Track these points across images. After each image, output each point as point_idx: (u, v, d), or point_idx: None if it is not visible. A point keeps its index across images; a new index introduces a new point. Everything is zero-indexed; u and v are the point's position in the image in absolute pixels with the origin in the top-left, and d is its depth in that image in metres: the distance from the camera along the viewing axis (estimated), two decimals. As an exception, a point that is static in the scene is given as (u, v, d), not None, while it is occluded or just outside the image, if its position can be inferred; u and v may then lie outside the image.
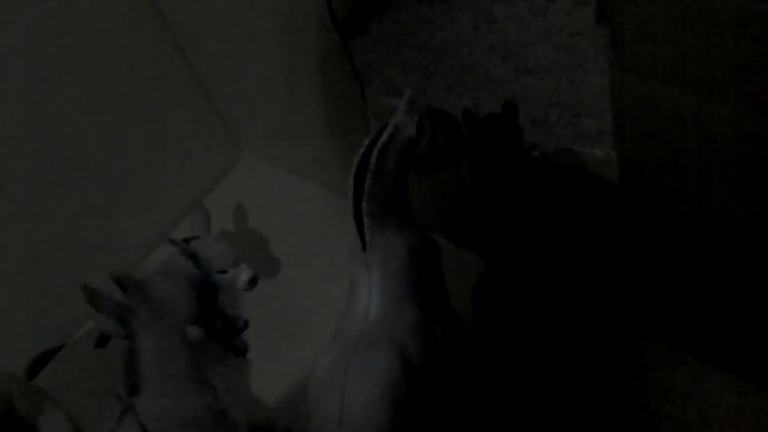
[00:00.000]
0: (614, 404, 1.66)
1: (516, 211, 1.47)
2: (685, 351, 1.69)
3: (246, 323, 2.16)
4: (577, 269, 1.69)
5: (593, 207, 1.56)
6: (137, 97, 2.21)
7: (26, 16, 1.89)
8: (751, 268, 1.37)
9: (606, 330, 1.77)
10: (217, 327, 2.05)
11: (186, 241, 1.87)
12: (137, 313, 1.68)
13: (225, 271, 1.86)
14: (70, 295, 2.15)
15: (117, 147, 2.21)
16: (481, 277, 1.50)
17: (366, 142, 1.42)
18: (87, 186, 2.18)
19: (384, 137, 1.40)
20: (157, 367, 1.64)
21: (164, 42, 2.22)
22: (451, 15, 2.68)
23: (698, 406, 1.61)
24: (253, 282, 1.87)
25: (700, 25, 1.04)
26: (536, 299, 1.45)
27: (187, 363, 1.69)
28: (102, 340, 2.04)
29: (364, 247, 1.42)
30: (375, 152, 1.38)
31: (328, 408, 1.32)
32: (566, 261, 1.63)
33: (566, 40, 2.41)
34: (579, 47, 2.37)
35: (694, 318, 1.60)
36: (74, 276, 2.19)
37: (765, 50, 1.01)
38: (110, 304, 1.69)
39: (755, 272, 1.37)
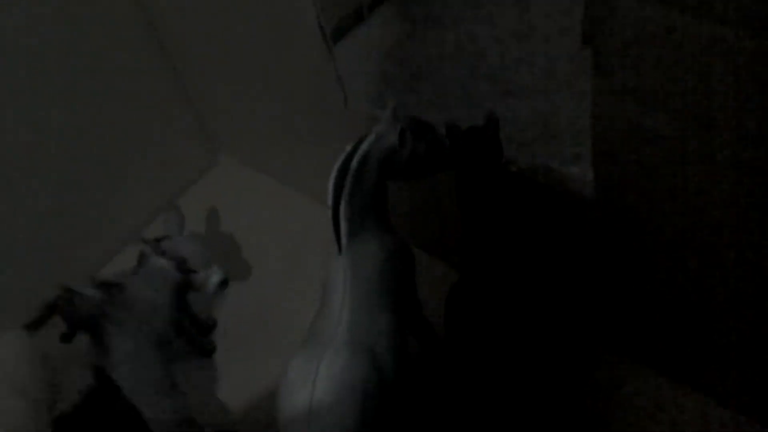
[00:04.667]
0: (581, 416, 1.69)
1: (492, 223, 1.50)
2: (653, 365, 1.72)
3: (214, 323, 2.15)
4: (550, 282, 1.72)
5: (567, 222, 1.59)
6: (114, 92, 2.20)
7: (5, 13, 1.88)
8: (724, 287, 1.41)
9: (575, 342, 1.80)
10: (184, 327, 2.04)
11: (158, 240, 1.86)
12: (116, 320, 1.67)
13: (195, 272, 1.85)
14: (38, 292, 2.13)
15: (90, 142, 2.19)
16: (454, 286, 1.52)
17: (348, 147, 1.43)
18: (60, 182, 2.16)
19: (366, 144, 1.42)
20: (130, 375, 1.63)
21: (146, 41, 2.22)
22: (435, 33, 2.72)
23: (668, 422, 1.65)
24: (224, 284, 1.87)
25: (686, 51, 1.07)
26: (509, 310, 1.47)
27: (161, 370, 1.69)
28: (67, 336, 2.01)
29: (340, 251, 1.42)
30: (356, 158, 1.40)
31: (297, 407, 1.32)
32: (539, 274, 1.66)
33: (546, 64, 2.47)
34: (559, 72, 2.42)
35: (664, 333, 1.63)
36: (46, 272, 2.17)
37: (751, 79, 1.04)
38: (87, 307, 1.67)
39: (728, 291, 1.41)
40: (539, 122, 2.30)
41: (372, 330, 1.41)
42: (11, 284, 2.12)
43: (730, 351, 1.52)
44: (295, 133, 2.13)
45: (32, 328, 1.97)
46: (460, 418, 1.49)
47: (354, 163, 1.40)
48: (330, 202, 1.42)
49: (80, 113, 2.14)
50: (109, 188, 2.29)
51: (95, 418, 1.57)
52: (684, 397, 1.67)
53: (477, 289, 1.48)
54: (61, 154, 2.14)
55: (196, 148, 2.53)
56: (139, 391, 1.63)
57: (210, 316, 2.15)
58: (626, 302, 1.64)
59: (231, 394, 1.96)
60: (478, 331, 1.46)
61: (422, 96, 2.51)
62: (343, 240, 1.42)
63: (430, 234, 1.96)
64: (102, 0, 2.08)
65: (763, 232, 1.24)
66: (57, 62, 2.03)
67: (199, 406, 1.89)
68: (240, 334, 2.09)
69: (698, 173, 1.23)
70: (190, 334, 2.06)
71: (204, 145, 2.53)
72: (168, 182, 2.47)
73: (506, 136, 1.55)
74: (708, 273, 1.40)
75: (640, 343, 1.71)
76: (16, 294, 2.14)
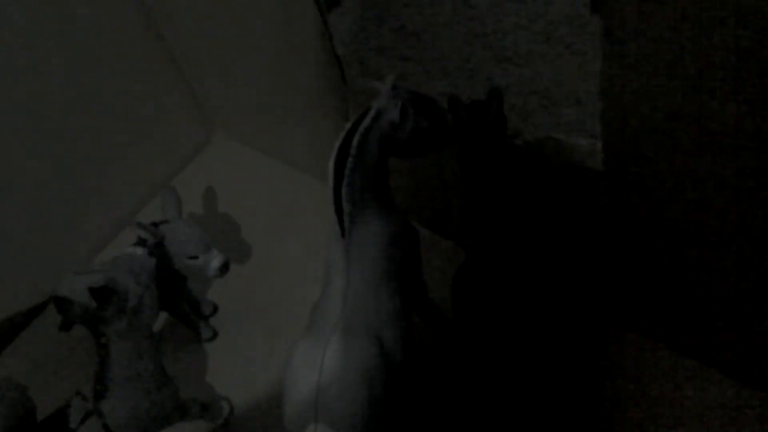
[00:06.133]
0: (593, 394, 1.67)
1: (498, 198, 1.46)
2: (660, 339, 1.70)
3: (215, 308, 2.12)
4: (559, 258, 1.69)
5: (576, 195, 1.55)
6: (107, 72, 2.15)
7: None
8: (735, 260, 1.38)
9: (586, 319, 1.77)
10: (185, 312, 2.01)
11: (155, 225, 1.82)
12: (111, 323, 1.65)
13: (195, 257, 1.81)
14: (35, 276, 2.10)
15: (84, 123, 2.14)
16: (461, 265, 1.48)
17: (348, 125, 1.38)
18: (54, 163, 2.11)
19: (366, 121, 1.37)
20: (128, 370, 1.63)
21: (139, 19, 2.16)
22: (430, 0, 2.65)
23: (690, 400, 1.63)
24: (224, 268, 1.83)
25: (700, 19, 1.03)
26: (517, 288, 1.44)
27: (154, 362, 1.68)
28: (66, 324, 1.99)
29: (342, 233, 1.39)
30: (357, 136, 1.35)
31: (304, 392, 1.30)
32: (548, 249, 1.63)
33: (546, 28, 2.40)
34: (558, 36, 2.35)
35: (670, 306, 1.61)
36: (42, 256, 2.14)
37: (766, 46, 1.00)
38: (82, 313, 1.65)
39: (738, 264, 1.38)
40: (540, 89, 2.24)
41: (377, 313, 1.38)
42: (6, 267, 2.09)
43: (734, 322, 1.50)
44: (291, 109, 2.08)
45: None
46: (468, 398, 1.47)
47: (355, 141, 1.36)
48: (331, 182, 1.38)
49: (73, 93, 2.09)
50: (104, 168, 2.25)
51: None
52: (691, 369, 1.66)
53: (484, 268, 1.45)
54: (55, 134, 2.09)
55: (190, 126, 2.48)
56: (136, 386, 1.62)
57: (210, 300, 2.12)
58: (634, 275, 1.61)
59: (232, 378, 1.94)
60: (486, 310, 1.43)
61: (419, 64, 2.45)
62: (346, 221, 1.38)
63: (434, 212, 1.92)
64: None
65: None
66: (52, 42, 1.98)
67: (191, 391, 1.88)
68: (240, 317, 2.06)
69: (709, 142, 1.19)
70: (192, 321, 2.03)
71: (199, 123, 2.48)
72: (163, 161, 2.42)
73: (507, 104, 1.50)
74: (715, 244, 1.37)
75: (648, 317, 1.69)
76: (11, 277, 2.12)
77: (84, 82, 2.11)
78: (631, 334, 1.73)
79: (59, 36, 1.97)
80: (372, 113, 1.38)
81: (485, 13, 2.55)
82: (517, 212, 1.47)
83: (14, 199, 2.05)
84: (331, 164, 1.37)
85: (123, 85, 2.21)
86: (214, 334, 2.06)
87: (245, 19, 1.89)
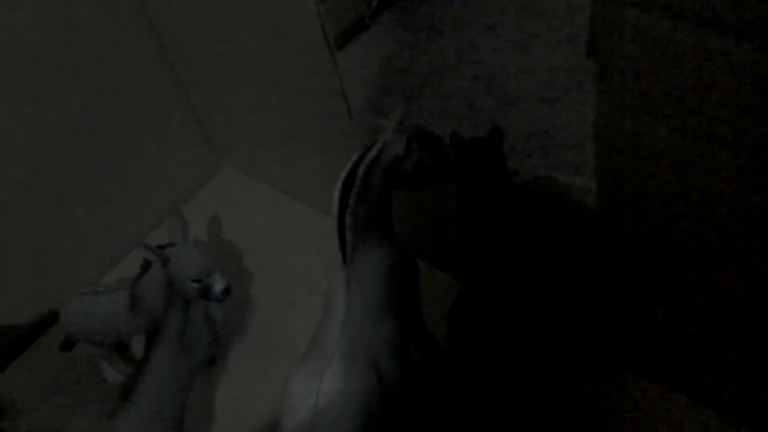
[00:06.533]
0: (583, 426, 1.69)
1: (495, 233, 1.50)
2: (655, 376, 1.72)
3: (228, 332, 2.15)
4: (554, 293, 1.72)
5: (570, 233, 1.59)
6: (118, 99, 2.20)
7: (7, 19, 1.88)
8: (725, 301, 1.41)
9: (581, 355, 1.80)
10: (207, 336, 2.04)
11: (161, 248, 1.86)
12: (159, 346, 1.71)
13: (198, 280, 1.84)
14: (39, 297, 2.14)
15: (92, 150, 2.19)
16: (457, 298, 1.52)
17: (354, 157, 1.43)
18: (63, 189, 2.16)
19: (372, 153, 1.42)
20: (156, 392, 1.69)
21: (149, 47, 2.22)
22: (435, 43, 2.73)
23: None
24: (226, 292, 1.86)
25: (693, 64, 1.08)
26: (511, 321, 1.47)
27: (179, 386, 1.73)
28: (67, 345, 2.02)
29: (344, 261, 1.42)
30: (362, 167, 1.40)
31: (300, 419, 1.33)
32: (542, 285, 1.66)
33: (548, 74, 2.48)
34: (560, 82, 2.43)
35: (664, 344, 1.63)
36: (49, 279, 2.18)
37: (761, 93, 1.04)
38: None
39: (728, 305, 1.41)
40: (540, 132, 2.31)
41: (375, 342, 1.41)
42: (14, 290, 2.12)
43: (729, 362, 1.53)
44: (298, 143, 2.13)
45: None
46: (461, 429, 1.49)
47: (360, 172, 1.41)
48: (335, 211, 1.42)
49: (81, 121, 2.14)
50: (111, 196, 2.29)
51: None
52: (686, 408, 1.68)
53: (479, 301, 1.48)
54: (64, 161, 2.14)
55: (198, 157, 2.53)
56: (158, 410, 1.67)
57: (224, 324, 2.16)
58: (628, 313, 1.64)
59: (231, 404, 1.95)
60: (481, 343, 1.46)
61: (424, 106, 2.52)
62: (348, 249, 1.42)
63: (432, 244, 1.96)
64: (105, 10, 2.08)
65: (765, 245, 1.25)
66: (61, 71, 2.04)
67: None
68: (241, 344, 2.08)
69: (700, 187, 1.24)
70: (210, 343, 2.06)
71: (207, 154, 2.54)
72: (170, 190, 2.46)
73: (508, 145, 1.55)
74: (709, 286, 1.40)
75: (642, 354, 1.72)
76: (18, 300, 2.15)
77: (95, 111, 2.15)
78: (627, 371, 1.75)
79: (68, 63, 2.03)
80: (378, 146, 1.43)
81: (489, 58, 2.63)
82: (514, 247, 1.51)
83: (23, 222, 2.09)
84: (336, 193, 1.42)
85: (134, 117, 2.27)
86: (214, 360, 2.08)
87: (255, 56, 1.96)
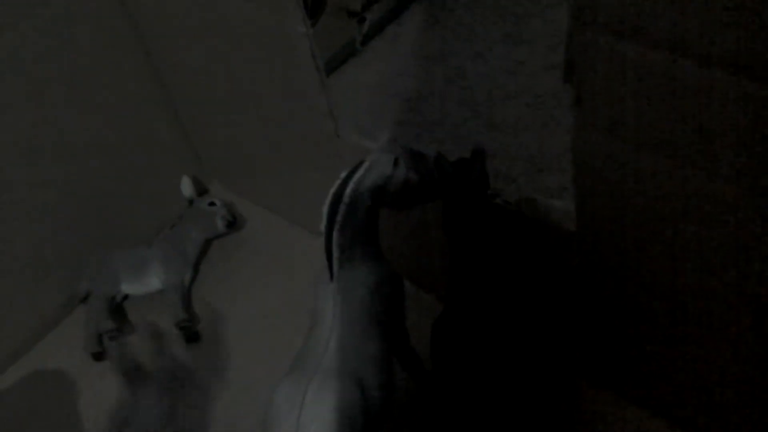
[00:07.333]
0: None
1: (477, 253, 1.53)
2: (637, 399, 1.74)
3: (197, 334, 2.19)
4: (535, 313, 1.75)
5: (551, 255, 1.63)
6: (106, 119, 2.23)
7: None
8: (703, 325, 1.44)
9: (560, 373, 1.82)
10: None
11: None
12: None
13: (213, 203, 2.32)
14: (27, 321, 2.17)
15: (82, 167, 2.21)
16: (438, 317, 1.54)
17: (343, 174, 1.47)
18: (51, 208, 2.17)
19: (360, 172, 1.45)
20: None
21: (139, 67, 2.25)
22: (425, 69, 2.79)
23: None
24: (231, 224, 2.32)
25: (666, 88, 1.12)
26: (493, 341, 1.50)
27: None
28: (98, 356, 2.12)
29: (331, 277, 1.45)
30: (351, 185, 1.43)
31: (284, 430, 1.34)
32: (524, 305, 1.69)
33: (533, 100, 2.53)
34: (545, 108, 2.48)
35: (647, 367, 1.66)
36: (34, 298, 2.19)
37: (730, 118, 1.08)
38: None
39: (706, 329, 1.44)
40: (525, 156, 2.36)
41: (360, 357, 1.43)
42: (7, 304, 2.15)
43: (714, 388, 1.55)
44: (286, 162, 2.16)
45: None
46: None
47: (348, 190, 1.44)
48: (323, 228, 1.45)
49: (70, 140, 2.15)
50: (100, 215, 2.31)
51: None
52: (666, 430, 1.70)
53: (461, 320, 1.51)
54: (50, 181, 2.15)
55: (188, 175, 2.55)
56: None
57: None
58: (609, 335, 1.67)
59: (218, 420, 1.96)
60: (463, 362, 1.48)
61: (411, 129, 2.56)
62: (335, 265, 1.45)
63: (416, 264, 1.99)
64: (96, 30, 2.10)
65: (744, 265, 1.28)
66: (50, 90, 2.06)
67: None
68: (227, 360, 2.10)
69: (676, 209, 1.27)
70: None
71: (196, 174, 2.56)
72: (159, 211, 2.48)
73: (493, 169, 1.59)
74: (686, 308, 1.43)
75: (624, 376, 1.74)
76: (18, 316, 2.17)
77: (81, 132, 2.17)
78: (609, 393, 1.77)
79: (57, 82, 2.06)
80: (366, 165, 1.47)
81: (477, 84, 2.69)
82: (496, 267, 1.54)
83: (9, 242, 2.11)
84: (324, 210, 1.45)
85: (122, 138, 2.29)
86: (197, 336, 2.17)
87: (245, 77, 2.00)
